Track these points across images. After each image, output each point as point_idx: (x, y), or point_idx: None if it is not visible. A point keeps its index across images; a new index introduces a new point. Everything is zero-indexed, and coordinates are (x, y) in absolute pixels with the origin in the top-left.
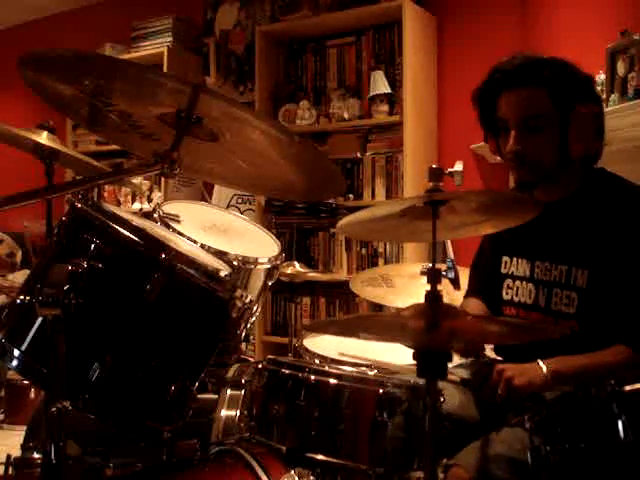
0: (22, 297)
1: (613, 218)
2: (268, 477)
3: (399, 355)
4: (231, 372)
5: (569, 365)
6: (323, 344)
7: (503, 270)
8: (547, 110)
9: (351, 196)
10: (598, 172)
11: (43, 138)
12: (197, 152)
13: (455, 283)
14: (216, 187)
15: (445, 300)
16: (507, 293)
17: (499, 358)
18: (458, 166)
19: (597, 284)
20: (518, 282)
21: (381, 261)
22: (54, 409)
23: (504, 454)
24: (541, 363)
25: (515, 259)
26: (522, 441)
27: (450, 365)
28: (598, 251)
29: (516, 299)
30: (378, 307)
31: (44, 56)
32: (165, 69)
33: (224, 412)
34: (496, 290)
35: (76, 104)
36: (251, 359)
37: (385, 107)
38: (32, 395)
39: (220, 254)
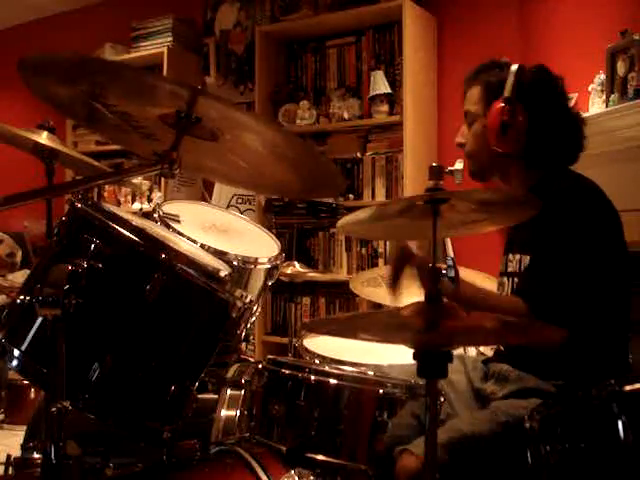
0: (22, 297)
1: (547, 207)
2: (268, 477)
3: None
4: (231, 372)
5: (468, 296)
6: (323, 344)
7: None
8: (476, 106)
9: (351, 196)
10: (559, 170)
11: (43, 138)
12: (198, 151)
13: (455, 282)
14: (216, 187)
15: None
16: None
17: None
18: (458, 165)
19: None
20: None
21: (381, 261)
22: (54, 409)
23: (449, 440)
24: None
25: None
26: (475, 425)
27: None
28: (535, 237)
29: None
30: (378, 307)
31: (42, 61)
32: (165, 69)
33: (224, 412)
34: None
35: (76, 105)
36: (251, 359)
37: (385, 107)
38: (32, 395)
39: (220, 254)
